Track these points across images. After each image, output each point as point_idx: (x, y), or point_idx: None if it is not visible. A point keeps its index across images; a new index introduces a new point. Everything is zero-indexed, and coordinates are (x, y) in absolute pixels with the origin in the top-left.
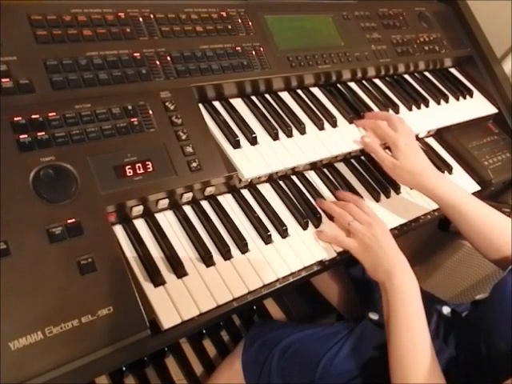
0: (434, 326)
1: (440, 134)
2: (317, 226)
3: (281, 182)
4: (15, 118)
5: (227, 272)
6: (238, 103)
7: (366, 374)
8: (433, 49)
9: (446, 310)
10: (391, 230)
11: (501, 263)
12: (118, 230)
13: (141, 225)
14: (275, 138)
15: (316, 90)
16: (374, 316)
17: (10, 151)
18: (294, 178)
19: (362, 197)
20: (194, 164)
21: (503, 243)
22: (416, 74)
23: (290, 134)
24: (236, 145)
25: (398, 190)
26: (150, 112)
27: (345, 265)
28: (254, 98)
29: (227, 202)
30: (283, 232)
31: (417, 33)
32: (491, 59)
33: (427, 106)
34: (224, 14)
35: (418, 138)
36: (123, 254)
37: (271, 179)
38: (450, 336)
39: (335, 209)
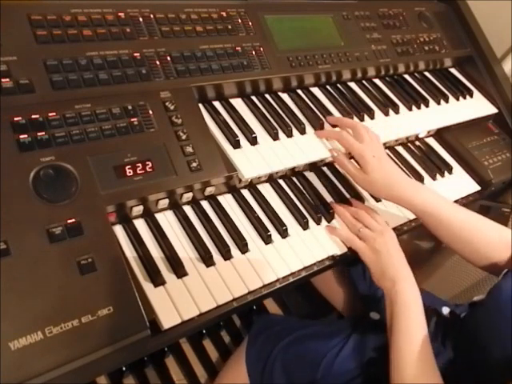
0: (433, 328)
1: (440, 134)
2: (317, 225)
3: (281, 182)
4: (15, 118)
5: (227, 272)
6: (238, 103)
7: (367, 375)
8: (433, 49)
9: (445, 310)
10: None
11: (489, 269)
12: (118, 230)
13: (141, 225)
14: (275, 138)
15: (316, 90)
16: (375, 316)
17: (10, 151)
18: (293, 178)
19: (362, 196)
20: (194, 164)
21: (487, 248)
22: (416, 74)
23: (289, 134)
24: (236, 145)
25: None
26: (150, 112)
27: (346, 264)
28: (254, 98)
29: (227, 202)
30: (283, 232)
31: (417, 33)
32: (491, 59)
33: (427, 106)
34: (224, 13)
35: (418, 138)
36: (123, 253)
37: (271, 179)
38: (448, 337)
39: (347, 215)
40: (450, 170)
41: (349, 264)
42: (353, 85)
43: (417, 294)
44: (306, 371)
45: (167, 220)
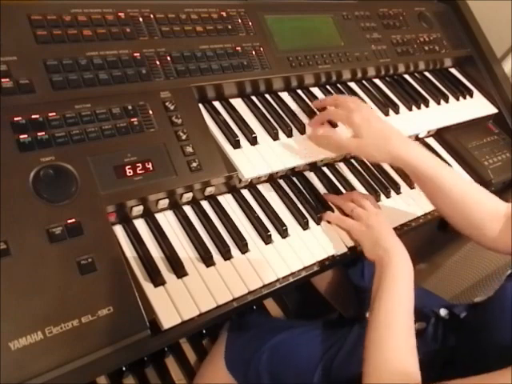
0: (432, 329)
1: (440, 134)
2: (317, 225)
3: (281, 182)
4: (15, 118)
5: (227, 272)
6: (238, 103)
7: None
8: (433, 49)
9: (443, 312)
10: None
11: (481, 242)
12: (118, 230)
13: (141, 225)
14: (275, 138)
15: (316, 90)
16: None
17: (9, 151)
18: (293, 178)
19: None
20: (194, 164)
21: (481, 220)
22: (416, 74)
23: (289, 134)
24: (236, 145)
25: (398, 190)
26: (150, 112)
27: (344, 265)
28: (254, 98)
29: (227, 201)
30: (283, 232)
31: (417, 33)
32: (491, 59)
33: (427, 106)
34: (224, 13)
35: (418, 138)
36: (123, 254)
37: (271, 179)
38: (448, 338)
39: (339, 199)
40: None
41: (348, 264)
42: (353, 85)
43: (409, 268)
44: (301, 377)
45: (167, 220)
